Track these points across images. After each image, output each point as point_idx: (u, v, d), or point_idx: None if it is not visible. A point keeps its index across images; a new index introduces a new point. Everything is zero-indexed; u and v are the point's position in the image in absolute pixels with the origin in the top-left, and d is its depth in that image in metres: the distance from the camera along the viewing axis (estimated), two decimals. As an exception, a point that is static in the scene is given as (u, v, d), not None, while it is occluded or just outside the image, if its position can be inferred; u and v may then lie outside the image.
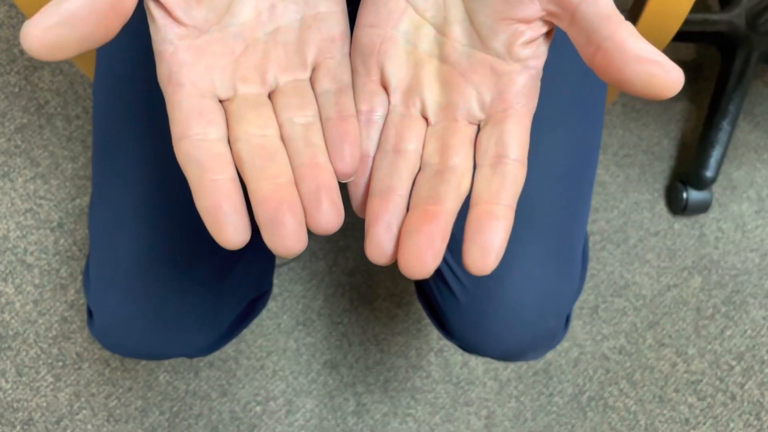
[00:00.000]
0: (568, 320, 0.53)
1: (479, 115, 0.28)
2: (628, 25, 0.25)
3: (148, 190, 0.45)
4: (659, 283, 0.90)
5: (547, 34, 0.28)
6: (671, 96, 0.25)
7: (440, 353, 0.87)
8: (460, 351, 0.87)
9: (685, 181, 0.89)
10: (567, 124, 0.47)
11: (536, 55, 0.28)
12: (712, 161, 0.87)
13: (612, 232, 0.91)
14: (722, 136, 0.87)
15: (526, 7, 0.27)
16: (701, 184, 0.87)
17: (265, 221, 0.24)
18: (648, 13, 0.57)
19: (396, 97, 0.29)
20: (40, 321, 0.86)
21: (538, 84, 0.28)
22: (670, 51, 0.96)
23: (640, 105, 0.96)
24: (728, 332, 0.89)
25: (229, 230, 0.24)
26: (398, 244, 0.26)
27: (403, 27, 0.29)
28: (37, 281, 0.87)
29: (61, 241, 0.88)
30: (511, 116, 0.27)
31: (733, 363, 0.88)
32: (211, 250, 0.47)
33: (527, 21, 0.27)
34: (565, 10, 0.26)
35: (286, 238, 0.24)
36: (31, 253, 0.88)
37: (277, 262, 0.87)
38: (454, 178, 0.26)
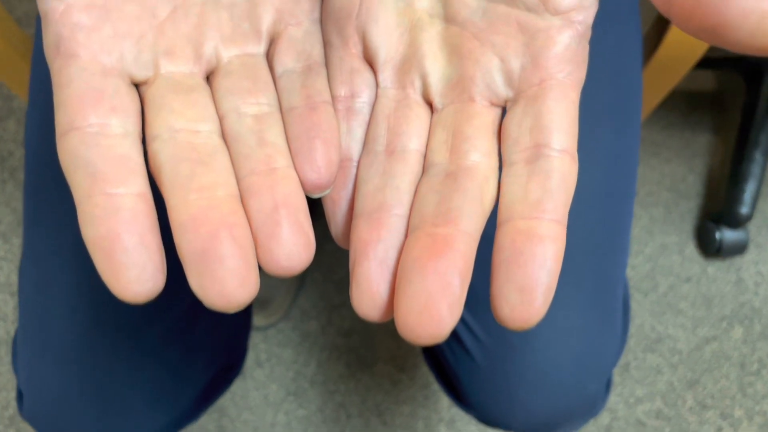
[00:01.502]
0: (609, 383, 0.44)
1: (505, 91, 0.20)
2: None
3: (79, 241, 0.36)
4: (696, 336, 0.80)
5: None
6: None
7: (452, 424, 0.77)
8: (477, 422, 0.76)
9: (717, 219, 0.80)
10: (600, 140, 0.39)
11: (582, 5, 0.20)
12: (747, 196, 0.78)
13: (639, 279, 0.82)
14: (755, 169, 0.79)
15: None
16: (736, 222, 0.79)
17: (191, 255, 0.16)
18: (669, 40, 0.50)
19: (386, 76, 0.21)
20: (-4, 399, 0.76)
21: (587, 46, 0.20)
22: (688, 80, 0.88)
23: (661, 139, 0.88)
24: (779, 390, 0.79)
25: (130, 275, 0.16)
26: (395, 288, 0.17)
27: None
28: (-7, 353, 0.77)
29: (22, 306, 0.79)
30: (551, 90, 0.19)
31: (788, 425, 0.77)
32: (165, 306, 0.38)
33: None
34: None
35: (224, 282, 0.16)
36: (-12, 322, 0.78)
37: (262, 323, 0.78)
38: (473, 184, 0.18)
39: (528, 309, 0.16)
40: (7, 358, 0.77)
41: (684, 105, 0.90)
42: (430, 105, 0.20)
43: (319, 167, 0.18)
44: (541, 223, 0.17)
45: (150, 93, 0.19)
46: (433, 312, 0.16)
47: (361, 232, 0.18)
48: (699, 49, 0.51)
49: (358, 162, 0.20)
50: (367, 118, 0.20)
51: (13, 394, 0.76)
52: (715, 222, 0.81)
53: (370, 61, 0.21)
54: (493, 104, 0.20)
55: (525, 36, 0.19)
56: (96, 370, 0.38)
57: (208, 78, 0.20)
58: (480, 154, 0.18)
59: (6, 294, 0.80)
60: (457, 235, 0.17)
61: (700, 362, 0.79)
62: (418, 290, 0.16)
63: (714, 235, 0.80)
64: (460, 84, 0.20)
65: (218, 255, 0.16)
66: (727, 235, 0.80)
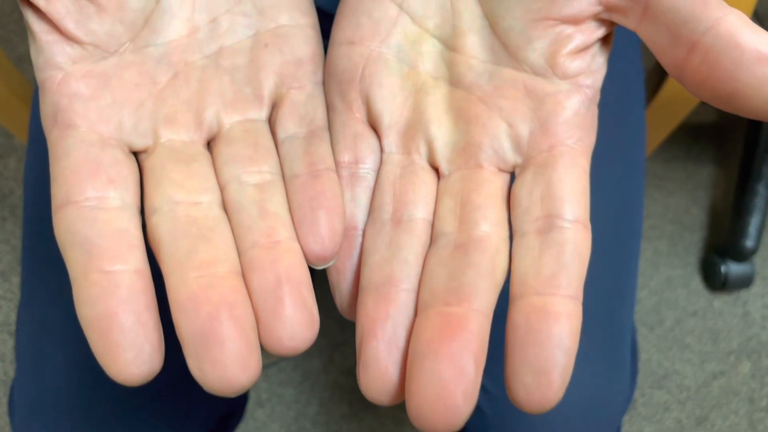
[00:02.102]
0: (618, 429, 0.43)
1: (513, 157, 0.19)
2: (734, 10, 0.17)
3: None
4: (704, 371, 0.79)
5: (605, 40, 0.19)
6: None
7: (457, 464, 0.75)
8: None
9: (723, 253, 0.80)
10: (604, 183, 0.39)
11: (591, 68, 0.19)
12: (751, 229, 0.78)
13: (645, 313, 0.81)
14: (759, 202, 0.78)
15: (575, 1, 0.18)
16: (741, 255, 0.78)
17: (191, 337, 0.16)
18: (672, 79, 0.50)
19: (391, 141, 0.20)
20: (-7, 441, 0.75)
21: (596, 110, 0.19)
22: (690, 112, 0.88)
23: (663, 171, 0.88)
24: (789, 426, 0.77)
25: (127, 357, 0.16)
26: (406, 371, 0.16)
27: (394, 41, 0.21)
28: (-9, 394, 0.76)
29: (21, 346, 0.78)
30: (561, 157, 0.18)
31: (800, 463, 0.76)
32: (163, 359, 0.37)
33: (576, 21, 0.19)
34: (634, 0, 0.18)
35: (225, 366, 0.15)
36: (-14, 362, 0.77)
37: (262, 361, 0.76)
38: (484, 258, 0.17)
39: (545, 392, 0.15)
40: (6, 399, 0.76)
41: (686, 137, 0.89)
42: (436, 170, 0.20)
43: (323, 238, 0.18)
44: (556, 300, 0.16)
45: (149, 163, 0.19)
46: (448, 401, 0.15)
47: (368, 308, 0.17)
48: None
49: (364, 231, 0.19)
50: (371, 184, 0.20)
51: (10, 437, 0.75)
52: (720, 255, 0.80)
53: (374, 126, 0.20)
54: (501, 170, 0.19)
55: (533, 100, 0.19)
56: (91, 425, 0.37)
57: (209, 144, 0.20)
58: (490, 225, 0.18)
59: (5, 333, 0.79)
60: (470, 314, 0.16)
61: (708, 398, 0.78)
62: (430, 377, 0.15)
63: (719, 269, 0.79)
64: (467, 149, 0.19)
65: (218, 338, 0.15)
66: (732, 268, 0.79)
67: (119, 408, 0.36)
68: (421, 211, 0.19)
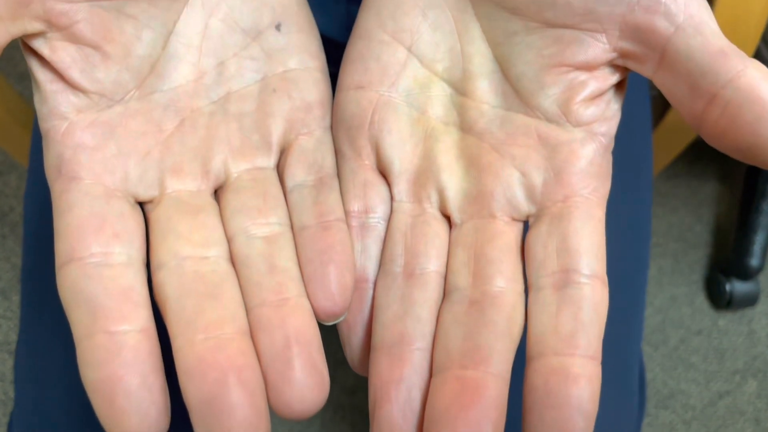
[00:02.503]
0: (626, 460, 0.42)
1: (527, 207, 0.19)
2: (754, 61, 0.16)
3: None
4: (709, 391, 0.78)
5: (619, 85, 0.19)
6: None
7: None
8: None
9: (727, 271, 0.79)
10: (611, 210, 0.38)
11: (605, 116, 0.19)
12: (756, 248, 0.77)
13: (649, 332, 0.80)
14: (763, 220, 0.78)
15: (588, 47, 0.18)
16: (746, 273, 0.77)
17: (198, 404, 0.15)
18: None
19: (401, 189, 0.20)
20: (-8, 462, 0.74)
21: (611, 158, 0.19)
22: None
23: (667, 188, 0.87)
24: (796, 446, 0.76)
25: (132, 422, 0.15)
26: None
27: (403, 85, 0.20)
28: (-10, 414, 0.75)
29: (20, 366, 0.77)
30: (576, 208, 0.18)
31: (807, 484, 0.75)
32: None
33: (590, 67, 0.18)
34: (650, 47, 0.17)
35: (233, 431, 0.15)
36: (-15, 382, 0.77)
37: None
38: (500, 317, 0.17)
39: None
40: (6, 420, 0.75)
41: (689, 154, 0.89)
42: (447, 219, 0.19)
43: (333, 295, 0.17)
44: (576, 361, 0.16)
45: (155, 214, 0.18)
46: None
47: (382, 368, 0.17)
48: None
49: (375, 283, 0.19)
50: (382, 234, 0.19)
51: (9, 458, 0.75)
52: (724, 273, 0.80)
53: (383, 172, 0.20)
54: (514, 219, 0.19)
55: (546, 149, 0.18)
56: None
57: (217, 194, 0.20)
58: (505, 279, 0.17)
59: (5, 353, 0.78)
60: (487, 379, 0.16)
61: (714, 418, 0.77)
62: None
63: (724, 288, 0.79)
64: (479, 199, 0.19)
65: (226, 404, 0.15)
66: (737, 287, 0.78)
67: None
68: (433, 264, 0.18)
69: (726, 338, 0.81)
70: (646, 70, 0.18)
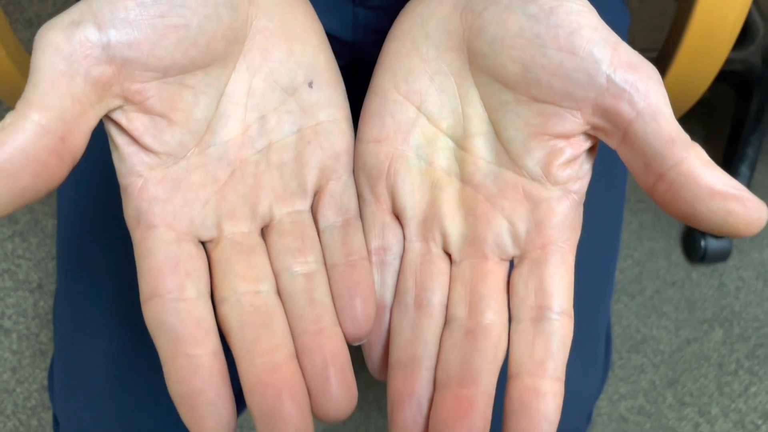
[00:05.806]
0: (590, 414, 0.48)
1: (512, 250, 0.23)
2: (697, 148, 0.21)
3: (118, 287, 0.40)
4: (678, 337, 0.85)
5: (591, 150, 0.23)
6: (751, 235, 0.21)
7: None
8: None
9: (703, 228, 0.84)
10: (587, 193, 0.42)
11: (578, 175, 0.23)
12: (732, 208, 0.82)
13: (627, 282, 0.86)
14: (741, 182, 0.82)
15: (566, 121, 0.22)
16: (720, 232, 0.82)
17: (261, 414, 0.20)
18: (685, 51, 0.51)
19: (412, 230, 0.24)
20: (19, 390, 0.80)
21: (581, 211, 0.23)
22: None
23: (652, 147, 0.91)
24: (753, 389, 0.84)
25: (211, 424, 0.20)
26: None
27: (414, 140, 0.24)
28: (15, 347, 0.81)
29: (41, 303, 0.83)
30: (552, 255, 0.22)
31: (759, 422, 0.83)
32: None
33: (567, 136, 0.22)
34: (616, 126, 0.21)
35: None
36: (9, 317, 0.82)
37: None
38: (489, 345, 0.22)
39: None
40: (29, 352, 0.81)
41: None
42: (449, 255, 0.24)
43: (360, 324, 0.22)
44: (544, 382, 0.21)
45: (216, 255, 0.22)
46: None
47: (398, 384, 0.22)
48: (717, 62, 0.52)
49: (391, 310, 0.24)
50: (397, 269, 0.24)
51: (34, 386, 0.81)
52: (700, 230, 0.85)
53: (397, 215, 0.24)
54: (502, 259, 0.23)
55: (530, 203, 0.23)
56: (129, 406, 0.40)
57: (263, 233, 0.24)
58: (494, 313, 0.22)
59: (26, 291, 0.83)
60: (477, 396, 0.21)
61: (681, 362, 0.84)
62: None
63: (699, 244, 0.84)
64: (474, 242, 0.23)
65: (283, 416, 0.20)
66: (711, 243, 0.84)
67: (152, 396, 0.40)
68: (437, 297, 0.23)
69: (698, 290, 0.87)
70: (612, 143, 0.22)
